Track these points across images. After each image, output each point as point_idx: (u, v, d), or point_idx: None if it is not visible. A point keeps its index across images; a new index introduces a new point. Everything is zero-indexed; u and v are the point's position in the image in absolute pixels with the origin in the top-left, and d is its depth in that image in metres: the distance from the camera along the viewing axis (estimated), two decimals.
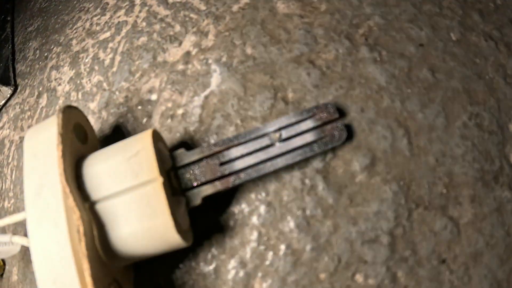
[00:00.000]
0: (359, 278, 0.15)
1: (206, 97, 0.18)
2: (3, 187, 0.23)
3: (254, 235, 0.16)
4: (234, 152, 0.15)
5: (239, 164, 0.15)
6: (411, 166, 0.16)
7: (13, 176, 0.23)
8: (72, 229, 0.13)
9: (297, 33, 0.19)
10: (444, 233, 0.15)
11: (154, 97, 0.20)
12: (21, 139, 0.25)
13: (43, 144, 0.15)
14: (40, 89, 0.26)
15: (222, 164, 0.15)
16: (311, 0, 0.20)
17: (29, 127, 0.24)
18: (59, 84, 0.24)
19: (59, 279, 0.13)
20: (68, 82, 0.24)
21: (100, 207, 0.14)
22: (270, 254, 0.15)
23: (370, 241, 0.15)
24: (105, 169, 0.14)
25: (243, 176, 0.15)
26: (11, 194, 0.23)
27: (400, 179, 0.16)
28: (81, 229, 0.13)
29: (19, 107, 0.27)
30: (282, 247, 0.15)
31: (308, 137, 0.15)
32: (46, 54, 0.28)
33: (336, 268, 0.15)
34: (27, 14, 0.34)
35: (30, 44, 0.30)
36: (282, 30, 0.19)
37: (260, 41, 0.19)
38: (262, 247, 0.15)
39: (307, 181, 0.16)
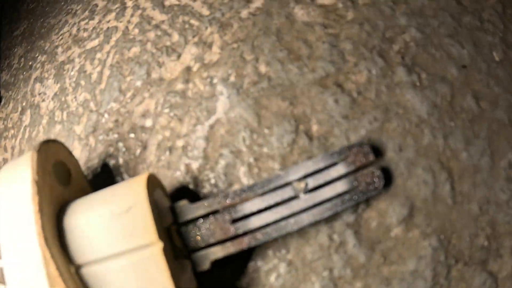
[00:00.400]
0: None
1: (211, 127, 0.14)
2: None
3: None
4: (250, 206, 0.11)
5: (255, 222, 0.11)
6: (453, 216, 0.12)
7: None
8: None
9: (320, 47, 0.14)
10: None
11: (148, 123, 0.14)
12: (5, 161, 0.19)
13: (16, 194, 0.10)
14: (24, 104, 0.20)
15: (234, 221, 0.11)
16: (335, 6, 0.15)
17: (12, 148, 0.19)
18: (43, 100, 0.19)
19: None
20: (52, 98, 0.18)
21: (89, 273, 0.10)
22: None
23: None
24: (91, 226, 0.10)
25: (260, 236, 0.11)
26: None
27: (440, 232, 0.12)
28: None
29: (3, 124, 0.21)
30: None
31: (339, 187, 0.11)
32: (30, 63, 0.22)
33: None
34: (14, 16, 0.27)
35: (15, 50, 0.24)
36: (302, 43, 0.14)
37: (275, 57, 0.14)
38: None
39: (335, 236, 0.12)
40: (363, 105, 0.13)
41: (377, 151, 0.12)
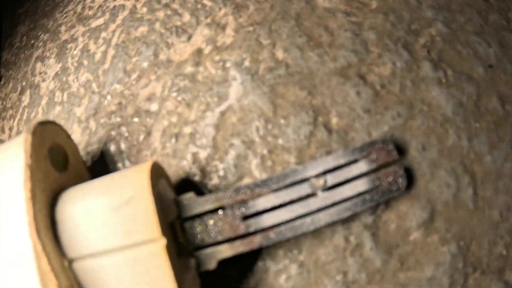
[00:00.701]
0: None
1: (222, 114, 0.12)
2: None
3: None
4: (263, 202, 0.09)
5: (268, 219, 0.09)
6: (473, 222, 0.11)
7: None
8: None
9: (342, 35, 0.12)
10: None
11: (154, 107, 0.13)
12: (2, 142, 0.17)
13: (6, 179, 0.09)
14: (24, 83, 0.18)
15: (245, 218, 0.09)
16: None
17: (10, 129, 0.17)
18: (44, 80, 0.17)
19: None
20: (53, 78, 0.16)
21: (82, 267, 0.09)
22: None
23: None
24: (87, 217, 0.09)
25: (273, 236, 0.09)
26: None
27: (460, 238, 0.10)
28: None
29: (1, 103, 0.19)
30: None
31: (360, 185, 0.09)
32: (32, 41, 0.19)
33: None
34: None
35: (18, 28, 0.22)
36: (323, 30, 0.12)
37: (294, 43, 0.12)
38: None
39: (352, 238, 0.10)
40: (387, 99, 0.11)
41: (400, 149, 0.11)
